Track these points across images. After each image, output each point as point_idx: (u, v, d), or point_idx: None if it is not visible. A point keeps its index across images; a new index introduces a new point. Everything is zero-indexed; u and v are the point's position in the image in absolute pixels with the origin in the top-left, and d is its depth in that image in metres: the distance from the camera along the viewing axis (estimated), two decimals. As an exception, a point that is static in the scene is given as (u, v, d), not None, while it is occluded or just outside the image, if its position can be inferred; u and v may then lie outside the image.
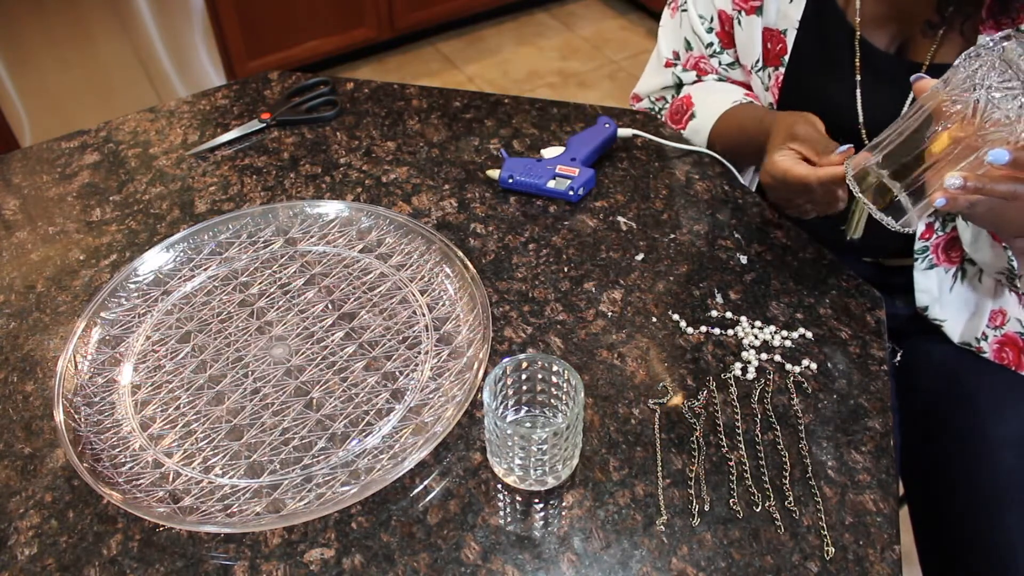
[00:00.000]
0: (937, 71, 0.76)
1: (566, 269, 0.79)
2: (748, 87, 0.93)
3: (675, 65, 0.97)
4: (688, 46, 0.93)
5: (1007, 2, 0.69)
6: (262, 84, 1.06)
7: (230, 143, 0.96)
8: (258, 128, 0.97)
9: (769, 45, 0.86)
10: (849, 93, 0.82)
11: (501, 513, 0.60)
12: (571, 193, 0.84)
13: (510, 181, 0.86)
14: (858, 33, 0.80)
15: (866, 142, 0.83)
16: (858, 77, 0.81)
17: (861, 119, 0.82)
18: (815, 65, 0.84)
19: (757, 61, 0.89)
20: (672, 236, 0.82)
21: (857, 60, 0.81)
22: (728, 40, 0.90)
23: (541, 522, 0.59)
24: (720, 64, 0.92)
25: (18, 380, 0.70)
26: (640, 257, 0.80)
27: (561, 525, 0.59)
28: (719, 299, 0.75)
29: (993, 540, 0.75)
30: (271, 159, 0.93)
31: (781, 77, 0.85)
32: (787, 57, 0.84)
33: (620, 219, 0.84)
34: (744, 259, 0.79)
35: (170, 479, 0.62)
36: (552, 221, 0.84)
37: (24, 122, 2.05)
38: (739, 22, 0.88)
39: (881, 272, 0.91)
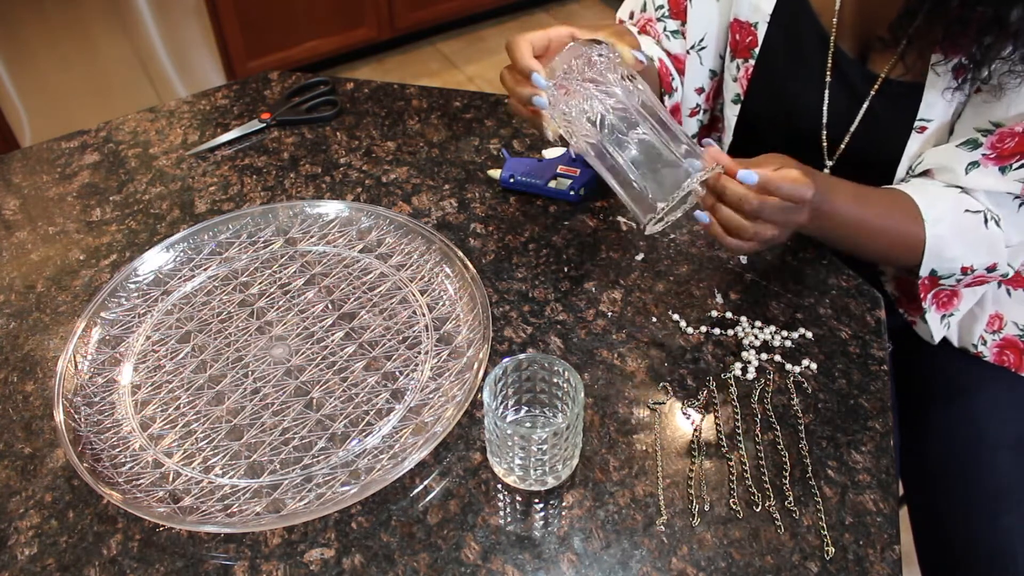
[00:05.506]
0: (892, 85, 0.78)
1: (566, 269, 0.79)
2: (681, 62, 0.92)
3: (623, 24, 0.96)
4: (644, 7, 0.92)
5: (957, 33, 0.69)
6: (262, 84, 1.06)
7: (230, 143, 0.96)
8: (258, 128, 0.97)
9: (738, 36, 0.86)
10: (816, 94, 0.83)
11: (501, 513, 0.60)
12: (572, 193, 0.84)
13: (511, 181, 0.86)
14: (832, 36, 0.80)
15: (825, 144, 0.84)
16: (828, 79, 0.82)
17: (825, 121, 0.83)
18: (785, 62, 0.84)
19: (700, 42, 0.89)
20: (672, 236, 0.82)
21: (829, 63, 0.81)
22: (678, 10, 0.89)
23: (541, 522, 0.59)
24: (664, 30, 0.91)
25: (18, 380, 0.70)
26: (640, 257, 0.80)
27: (561, 525, 0.59)
28: (719, 299, 0.75)
29: (991, 542, 0.75)
30: (271, 159, 0.93)
31: (751, 70, 0.85)
32: (757, 50, 0.84)
33: (620, 219, 0.84)
34: (744, 259, 0.79)
35: (170, 479, 0.62)
36: (552, 221, 0.84)
37: (24, 122, 2.05)
38: (691, 1, 0.88)
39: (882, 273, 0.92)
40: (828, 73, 0.81)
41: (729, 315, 0.74)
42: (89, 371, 0.69)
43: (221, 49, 2.26)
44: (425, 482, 0.62)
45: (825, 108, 0.82)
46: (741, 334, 0.72)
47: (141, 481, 0.61)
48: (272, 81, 1.06)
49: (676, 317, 0.74)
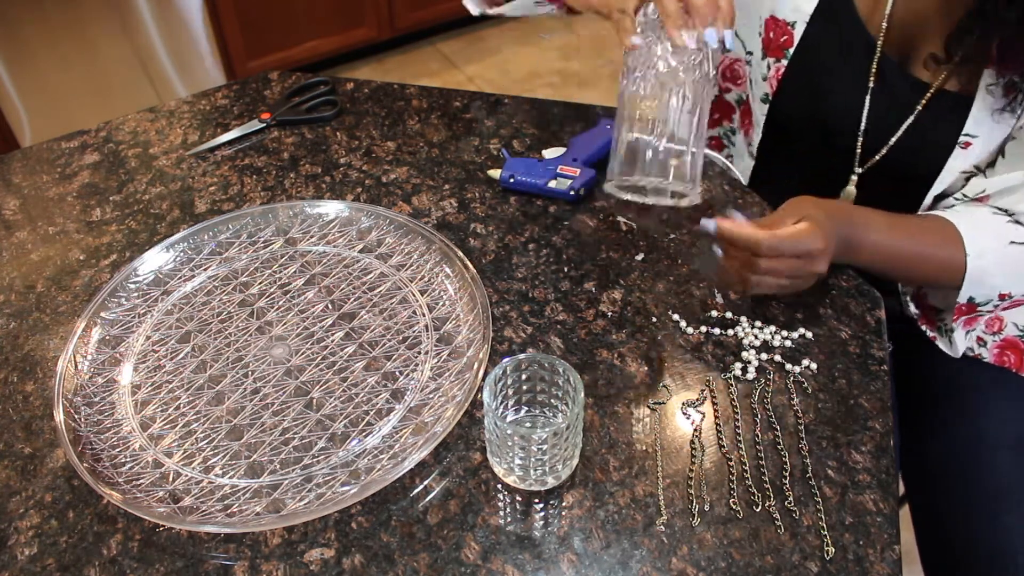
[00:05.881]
0: (942, 97, 0.76)
1: (566, 269, 0.79)
2: None
3: None
4: None
5: (1018, 49, 0.69)
6: (262, 84, 1.06)
7: (230, 143, 0.96)
8: (258, 128, 0.97)
9: (772, 35, 0.84)
10: (856, 99, 0.81)
11: (501, 513, 0.60)
12: (572, 193, 0.84)
13: (511, 181, 0.86)
14: (880, 43, 0.79)
15: (859, 151, 0.83)
16: (871, 85, 0.80)
17: (863, 128, 0.82)
18: (824, 64, 0.83)
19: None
20: (672, 236, 0.82)
21: (874, 68, 0.80)
22: None
23: (541, 522, 0.59)
24: None
25: (18, 380, 0.70)
26: (640, 257, 0.80)
27: (561, 525, 0.59)
28: (719, 299, 0.75)
29: (992, 541, 0.75)
30: (271, 159, 0.93)
31: (782, 69, 0.84)
32: (791, 50, 0.83)
33: (620, 219, 0.84)
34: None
35: (170, 479, 0.62)
36: (552, 221, 0.84)
37: (24, 122, 2.05)
38: None
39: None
40: (872, 80, 0.80)
41: (729, 315, 0.74)
42: (89, 371, 0.69)
43: (221, 49, 2.26)
44: (425, 482, 0.62)
45: (864, 115, 0.81)
46: (741, 334, 0.72)
47: (141, 481, 0.61)
48: (272, 81, 1.06)
49: (676, 317, 0.74)
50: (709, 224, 0.68)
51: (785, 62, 0.84)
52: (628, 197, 0.70)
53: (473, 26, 2.87)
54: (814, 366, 0.70)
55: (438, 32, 2.82)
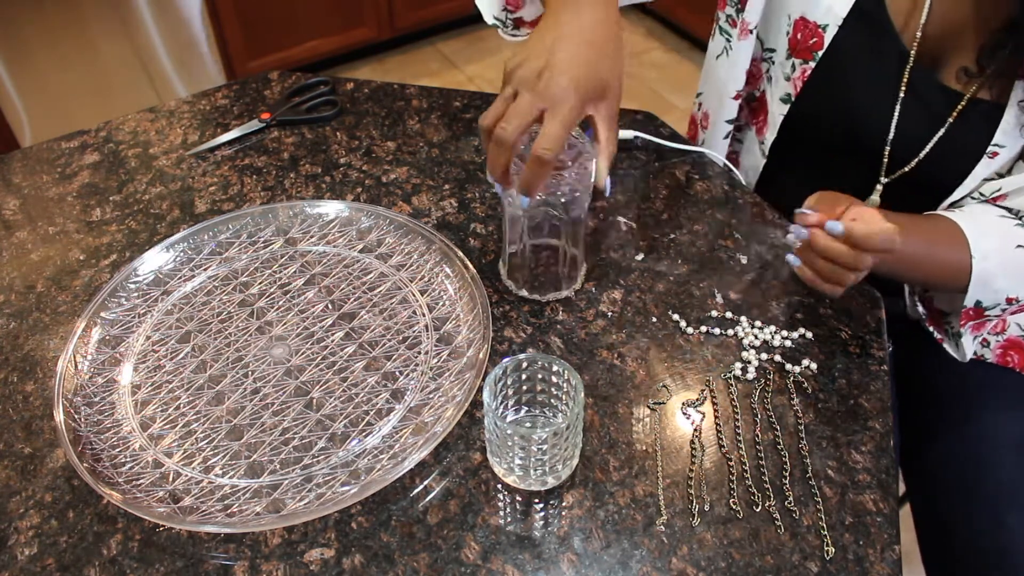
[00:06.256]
0: (976, 105, 0.76)
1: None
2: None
3: None
4: None
5: None
6: (262, 84, 1.06)
7: (230, 143, 0.96)
8: (258, 128, 0.97)
9: (800, 36, 0.83)
10: (885, 108, 0.80)
11: (501, 513, 0.60)
12: (571, 193, 0.84)
13: (510, 181, 0.86)
14: (912, 53, 0.78)
15: (886, 161, 0.82)
16: (902, 94, 0.79)
17: (891, 137, 0.81)
18: (853, 70, 0.81)
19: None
20: (672, 236, 0.82)
21: (905, 77, 0.79)
22: None
23: (541, 522, 0.59)
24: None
25: (18, 380, 0.70)
26: (640, 257, 0.80)
27: (561, 525, 0.59)
28: (719, 299, 0.76)
29: (995, 542, 0.75)
30: (271, 159, 0.93)
31: (808, 72, 0.83)
32: (820, 53, 0.81)
33: (620, 219, 0.84)
34: (744, 259, 0.79)
35: (170, 479, 0.62)
36: (552, 221, 0.84)
37: (24, 122, 2.05)
38: None
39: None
40: (903, 89, 0.79)
41: (729, 315, 0.74)
42: (89, 371, 0.69)
43: (221, 49, 2.26)
44: (425, 482, 0.62)
45: (894, 125, 0.80)
46: (741, 334, 0.72)
47: (141, 481, 0.61)
48: (272, 81, 1.06)
49: (676, 317, 0.74)
50: (800, 230, 0.67)
51: (813, 64, 0.82)
52: (517, 290, 0.75)
53: (473, 26, 2.87)
54: (814, 366, 0.70)
55: (438, 32, 2.82)
